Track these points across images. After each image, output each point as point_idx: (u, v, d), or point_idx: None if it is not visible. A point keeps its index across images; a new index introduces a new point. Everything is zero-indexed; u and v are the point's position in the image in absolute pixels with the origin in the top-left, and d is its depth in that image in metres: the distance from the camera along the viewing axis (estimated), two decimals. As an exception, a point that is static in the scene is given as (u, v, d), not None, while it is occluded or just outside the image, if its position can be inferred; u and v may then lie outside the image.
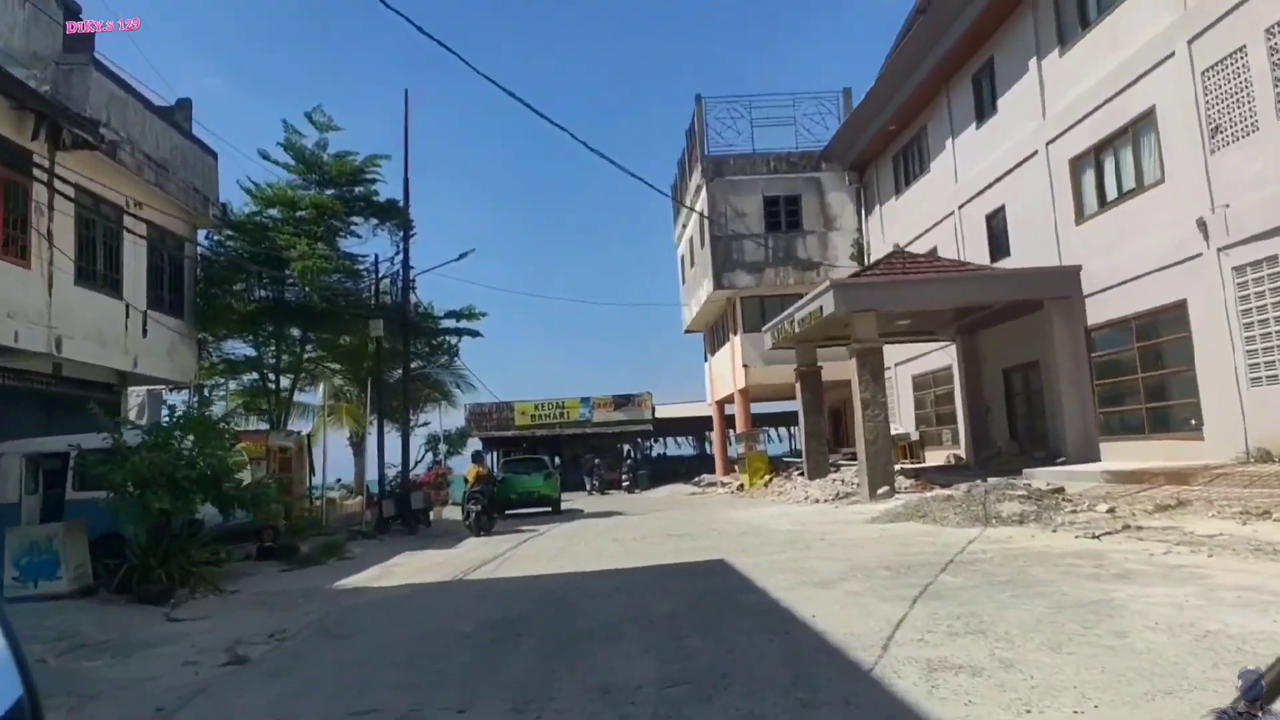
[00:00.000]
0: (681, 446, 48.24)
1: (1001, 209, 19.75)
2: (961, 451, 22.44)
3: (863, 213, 28.91)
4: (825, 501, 18.54)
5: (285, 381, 21.20)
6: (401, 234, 20.59)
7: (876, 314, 17.35)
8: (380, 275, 20.24)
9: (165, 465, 9.38)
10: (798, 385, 21.88)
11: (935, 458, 23.98)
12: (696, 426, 45.99)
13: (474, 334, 21.31)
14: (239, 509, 10.50)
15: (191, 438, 10.00)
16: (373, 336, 19.27)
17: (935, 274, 17.92)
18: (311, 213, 19.72)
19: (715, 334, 34.58)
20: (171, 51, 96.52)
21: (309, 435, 21.06)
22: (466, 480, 19.64)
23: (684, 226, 35.64)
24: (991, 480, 14.90)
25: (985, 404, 21.39)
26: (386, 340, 20.56)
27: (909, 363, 26.05)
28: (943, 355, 23.67)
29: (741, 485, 26.08)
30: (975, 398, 21.63)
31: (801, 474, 23.03)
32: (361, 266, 20.03)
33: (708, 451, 47.39)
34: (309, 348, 20.85)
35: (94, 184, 14.31)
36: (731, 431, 41.54)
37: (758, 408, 32.29)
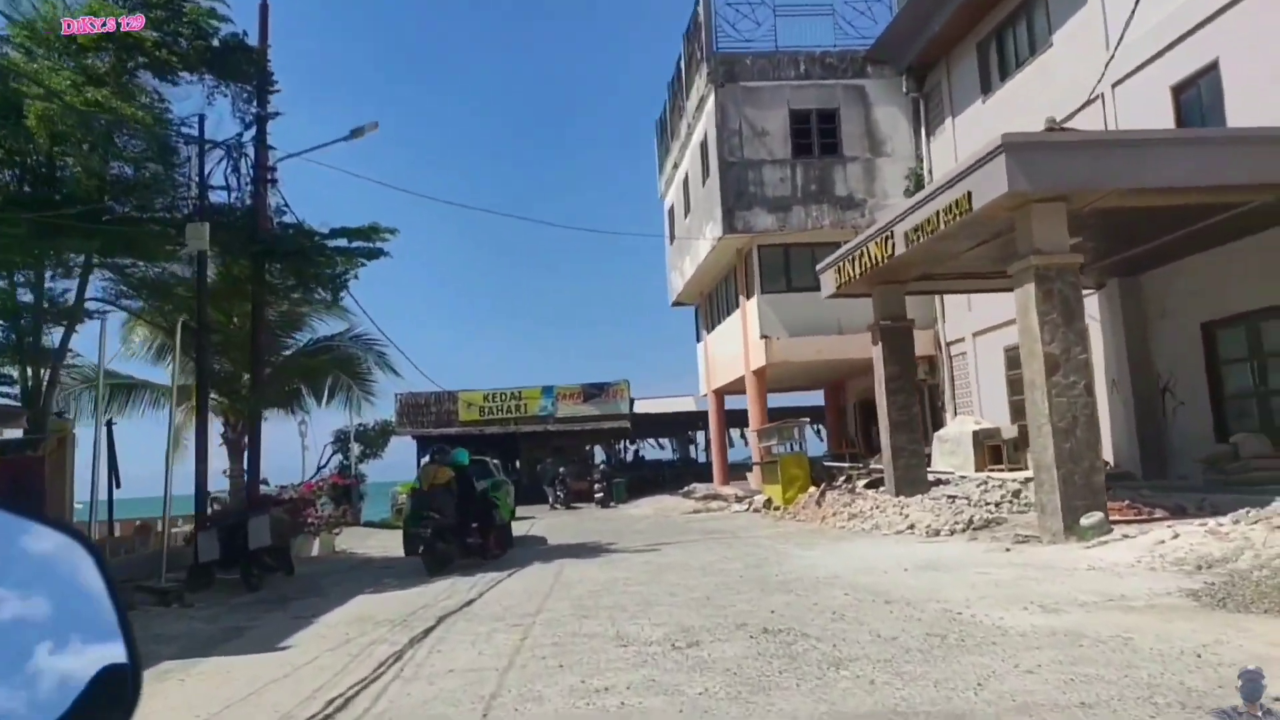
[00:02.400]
0: (663, 450, 40.53)
1: (1208, 70, 12.39)
2: (1108, 455, 15.03)
3: (923, 132, 21.48)
4: (957, 533, 10.99)
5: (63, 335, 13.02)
6: (255, 93, 12.63)
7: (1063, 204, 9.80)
8: (210, 145, 12.09)
9: None
10: (878, 349, 14.29)
11: None
12: (678, 425, 38.32)
13: (375, 254, 13.23)
14: None
15: None
16: (191, 251, 11.19)
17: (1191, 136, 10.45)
18: (109, 60, 11.67)
19: (716, 303, 26.95)
20: None
21: (109, 424, 12.75)
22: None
23: (675, 166, 28.00)
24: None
25: (1164, 379, 14.01)
26: (230, 263, 12.59)
27: (997, 331, 18.67)
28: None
29: (769, 501, 18.43)
30: (1142, 371, 14.25)
31: (875, 485, 15.47)
32: (179, 136, 11.86)
33: (693, 455, 39.77)
34: (95, 275, 12.65)
35: None
36: (738, 431, 33.98)
37: (772, 401, 24.67)
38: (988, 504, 11.97)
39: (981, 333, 19.41)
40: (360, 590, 10.12)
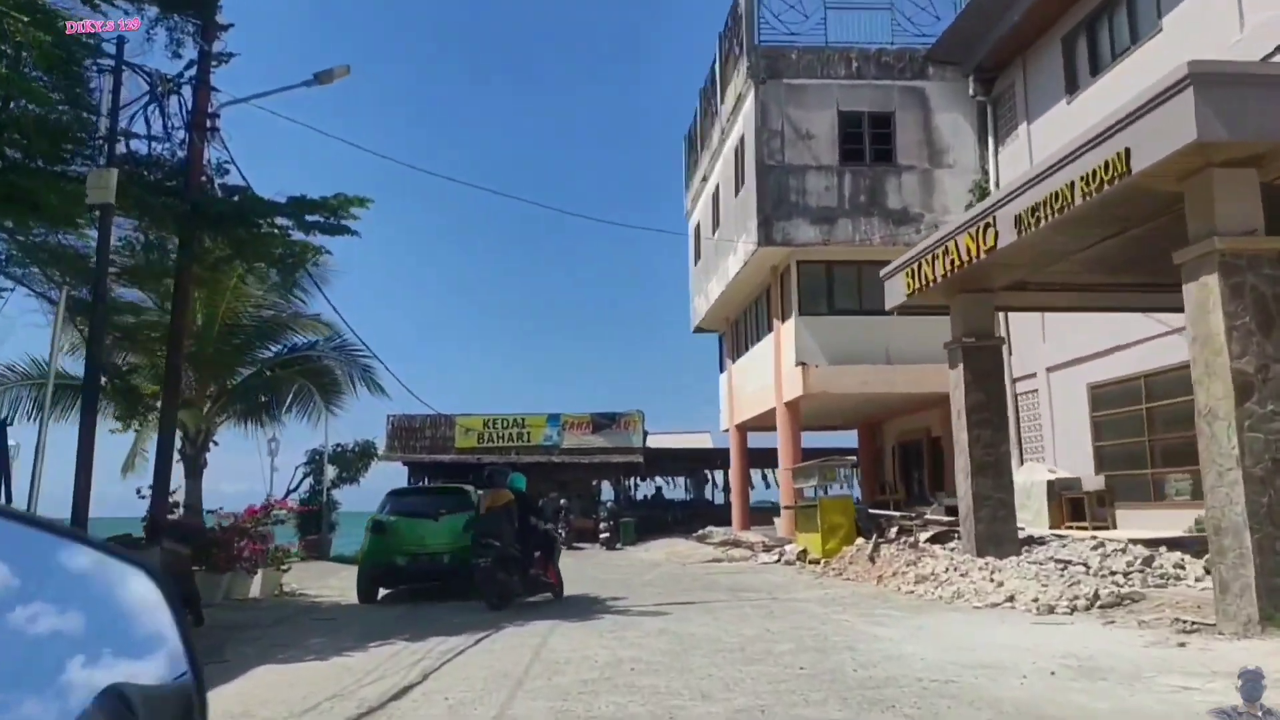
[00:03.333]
0: (674, 488, 37.59)
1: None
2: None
3: (992, 140, 18.91)
4: (1079, 612, 8.19)
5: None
6: (199, 24, 10.18)
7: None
8: (129, 68, 9.53)
9: None
10: (958, 373, 11.54)
11: (1142, 521, 13.77)
12: (691, 463, 35.46)
13: (339, 230, 10.58)
14: None
15: None
16: (94, 203, 8.60)
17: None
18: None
19: (744, 328, 24.32)
20: None
21: (1, 425, 10.08)
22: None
23: (703, 180, 25.57)
24: None
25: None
26: (165, 232, 10.07)
27: (1081, 365, 15.98)
28: (1177, 342, 13.55)
29: (804, 552, 15.59)
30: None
31: (940, 540, 12.69)
32: (89, 59, 9.32)
33: (705, 496, 36.84)
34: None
35: None
36: (762, 471, 31.13)
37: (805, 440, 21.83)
38: (1111, 573, 9.16)
39: (1059, 368, 16.67)
40: (271, 656, 7.41)
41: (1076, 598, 8.59)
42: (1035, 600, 8.79)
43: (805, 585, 12.19)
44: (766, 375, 21.26)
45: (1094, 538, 11.21)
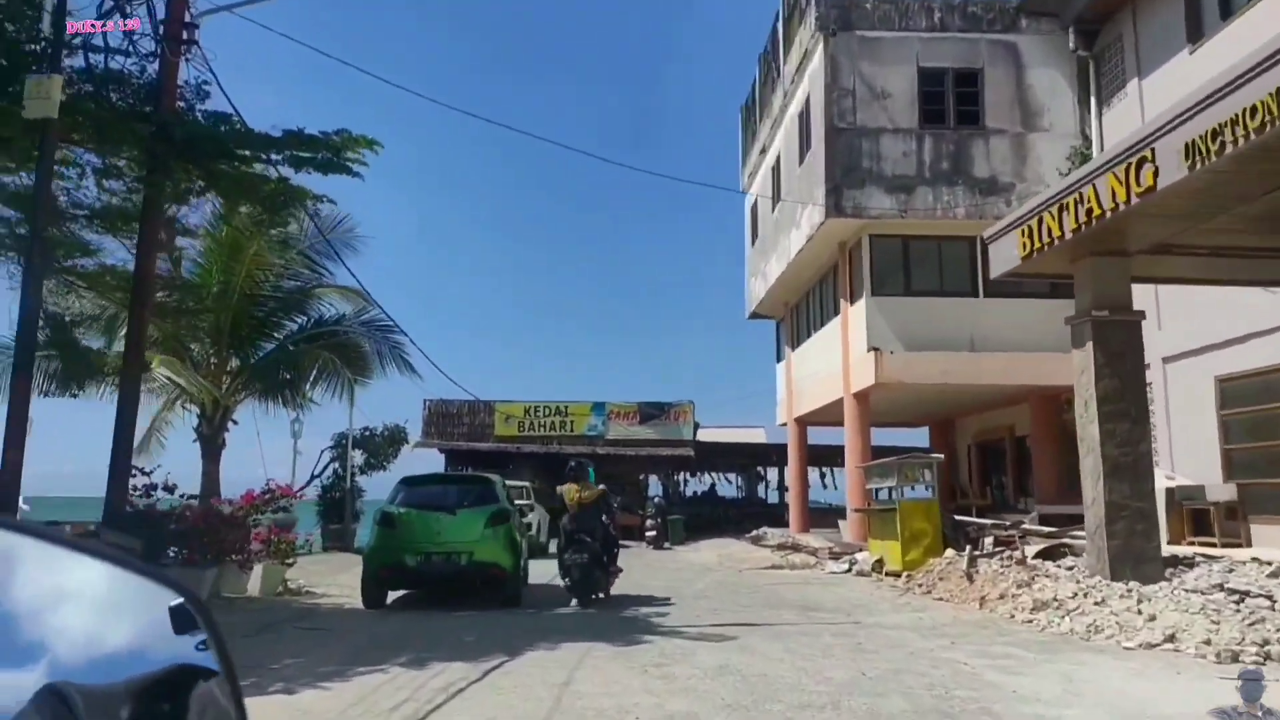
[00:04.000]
0: (725, 485, 35.66)
1: None
2: None
3: (1095, 100, 16.62)
4: (1275, 658, 6.16)
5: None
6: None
7: None
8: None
9: None
10: (1085, 352, 9.46)
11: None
12: (744, 459, 33.47)
13: (336, 168, 8.97)
14: None
15: None
16: (32, 116, 7.01)
17: None
18: None
19: (806, 312, 22.30)
20: None
21: None
22: (562, 510, 11.06)
23: (762, 151, 23.57)
24: None
25: None
26: (131, 160, 8.49)
27: (1206, 355, 13.76)
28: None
29: (880, 563, 13.61)
30: None
31: (1051, 556, 10.67)
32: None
33: (759, 494, 34.88)
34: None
35: None
36: (820, 470, 29.14)
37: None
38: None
39: (1179, 358, 14.40)
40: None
41: (1267, 642, 6.55)
42: (1207, 643, 6.76)
43: (891, 605, 10.23)
44: (832, 363, 19.25)
45: (1256, 561, 9.09)
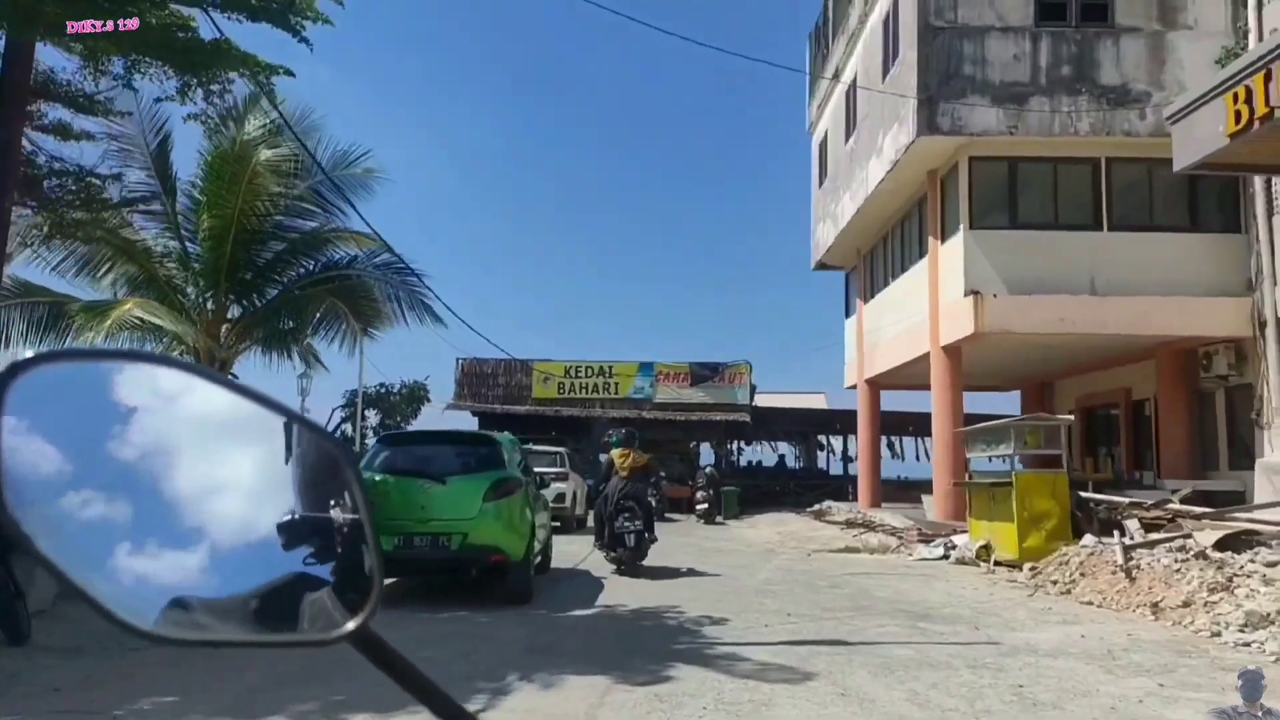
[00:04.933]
0: (787, 455, 33.00)
1: None
2: None
3: (1257, -14, 13.46)
4: None
5: None
6: None
7: None
8: None
9: None
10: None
11: None
12: (802, 426, 30.72)
13: (279, 20, 6.61)
14: None
15: None
16: None
17: None
18: None
19: (883, 258, 19.45)
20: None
21: None
22: (613, 471, 10.39)
23: (835, 76, 20.63)
24: None
25: None
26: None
27: None
28: None
29: (987, 548, 10.94)
30: None
31: (1236, 548, 7.95)
32: None
33: (819, 466, 32.16)
34: None
35: None
36: (888, 439, 26.46)
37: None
38: None
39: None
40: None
41: None
42: None
43: (1027, 612, 7.60)
44: (916, 314, 16.45)
45: None
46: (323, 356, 15.86)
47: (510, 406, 25.09)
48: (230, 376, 8.58)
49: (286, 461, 0.83)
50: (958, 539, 12.08)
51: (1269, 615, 6.18)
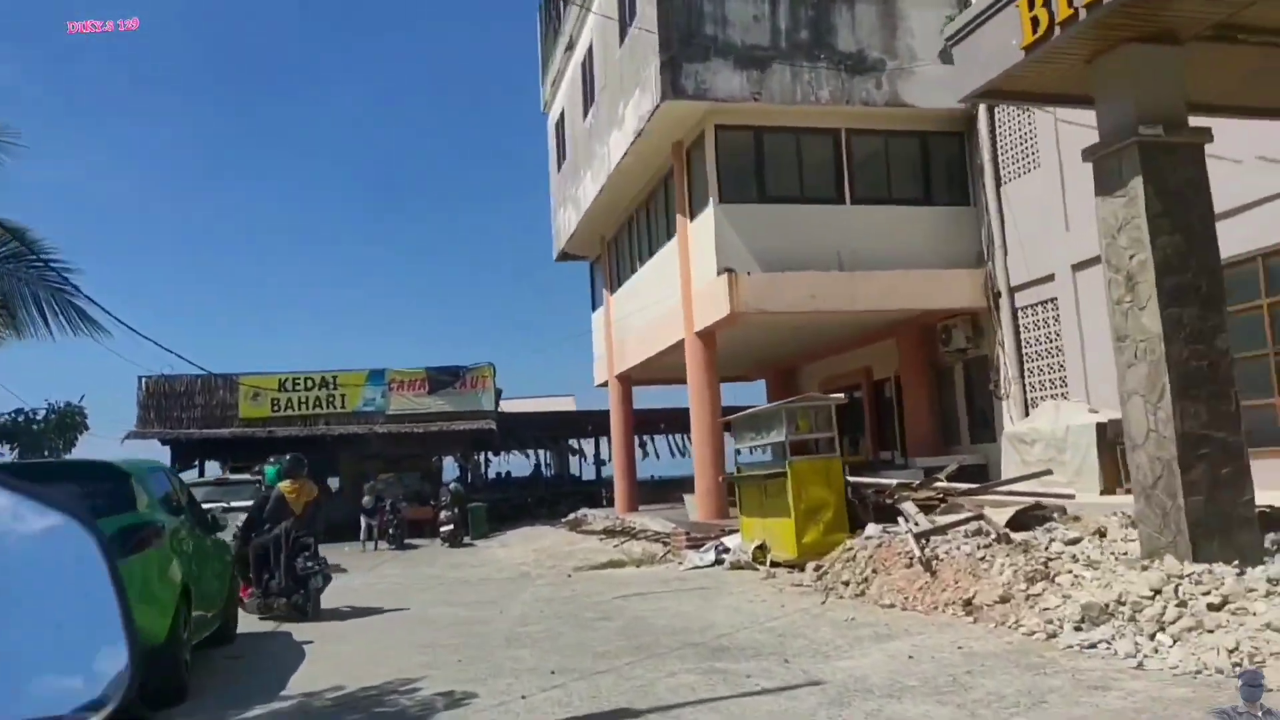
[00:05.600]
0: (527, 464, 31.33)
1: None
2: None
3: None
4: None
5: None
6: None
7: None
8: None
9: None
10: (1133, 196, 5.86)
11: (1264, 480, 8.85)
12: (551, 431, 29.17)
13: None
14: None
15: None
16: None
17: None
18: None
19: (630, 242, 18.25)
20: None
21: None
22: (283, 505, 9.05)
23: (568, 49, 19.23)
24: None
25: None
26: None
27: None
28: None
29: (763, 549, 9.78)
30: None
31: (1024, 527, 7.26)
32: None
33: (570, 471, 30.80)
34: None
35: None
36: (639, 438, 25.50)
37: (682, 397, 15.79)
38: None
39: (1087, 265, 11.55)
40: None
41: None
42: None
43: (831, 627, 6.31)
44: (667, 299, 15.35)
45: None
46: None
47: (212, 430, 21.22)
48: None
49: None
50: (729, 540, 10.90)
51: (1106, 606, 5.26)
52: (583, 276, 22.54)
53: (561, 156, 20.82)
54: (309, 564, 8.71)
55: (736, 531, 11.02)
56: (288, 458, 9.91)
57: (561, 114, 20.67)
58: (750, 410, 11.52)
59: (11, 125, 12.92)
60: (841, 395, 11.72)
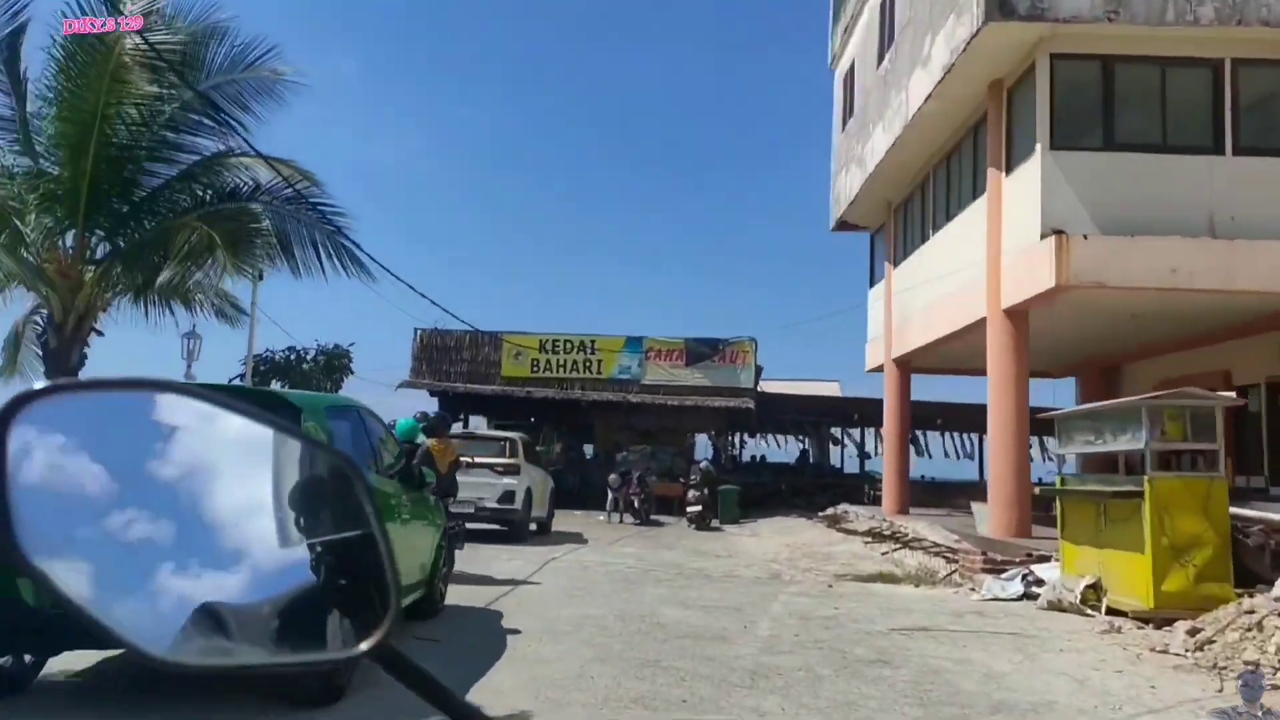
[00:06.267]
0: (783, 450, 29.48)
1: None
2: None
3: None
4: None
5: None
6: None
7: None
8: None
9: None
10: None
11: None
12: (812, 417, 27.01)
13: None
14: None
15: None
16: None
17: None
18: None
19: (922, 206, 15.82)
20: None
21: None
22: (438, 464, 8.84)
23: (865, -10, 16.99)
24: None
25: None
26: None
27: None
28: None
29: (1095, 588, 7.34)
30: None
31: None
32: None
33: (830, 462, 28.53)
34: None
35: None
36: (913, 433, 23.00)
37: (961, 393, 13.04)
38: None
39: None
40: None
41: None
42: None
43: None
44: (965, 271, 12.87)
45: None
46: (204, 310, 12.37)
47: (475, 386, 21.52)
48: (95, 333, 5.03)
49: (296, 481, 0.81)
50: (1042, 570, 8.50)
51: None
52: (857, 251, 20.26)
53: (848, 113, 18.67)
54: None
55: (1052, 559, 8.58)
56: (434, 414, 10.07)
57: (851, 66, 18.49)
58: (1094, 405, 8.95)
59: (296, 70, 13.28)
60: (1234, 394, 8.78)
